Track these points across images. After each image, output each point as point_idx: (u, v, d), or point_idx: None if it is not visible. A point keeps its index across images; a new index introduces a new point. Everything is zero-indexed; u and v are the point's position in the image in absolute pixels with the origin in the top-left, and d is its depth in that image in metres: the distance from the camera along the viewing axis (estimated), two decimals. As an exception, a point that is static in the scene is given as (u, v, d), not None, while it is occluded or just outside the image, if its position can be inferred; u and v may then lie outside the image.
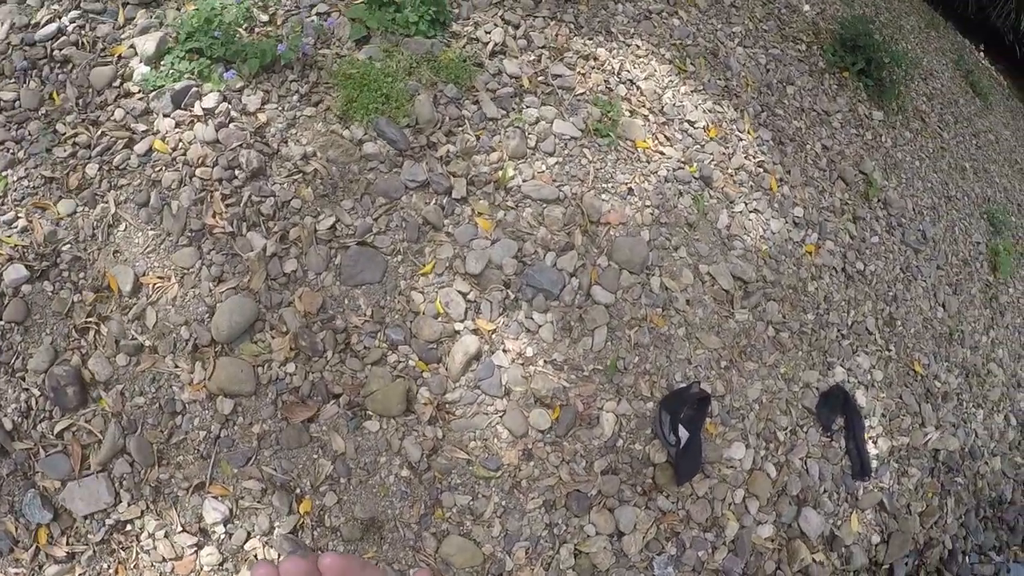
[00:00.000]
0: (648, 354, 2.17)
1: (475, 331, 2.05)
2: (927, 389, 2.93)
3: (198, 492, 1.90)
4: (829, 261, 2.77)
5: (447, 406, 1.97)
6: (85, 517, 1.86)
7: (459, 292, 2.05)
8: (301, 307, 2.00)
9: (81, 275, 2.03)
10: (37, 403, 1.90)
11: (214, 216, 2.06)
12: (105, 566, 1.86)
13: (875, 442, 2.63)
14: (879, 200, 3.18)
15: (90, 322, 1.98)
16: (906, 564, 2.64)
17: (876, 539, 2.56)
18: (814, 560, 2.35)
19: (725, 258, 2.45)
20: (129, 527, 1.89)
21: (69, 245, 2.03)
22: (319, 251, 2.05)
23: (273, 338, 1.98)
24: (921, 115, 3.77)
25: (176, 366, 1.96)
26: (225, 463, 1.92)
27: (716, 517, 2.17)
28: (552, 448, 2.00)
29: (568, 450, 2.01)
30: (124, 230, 2.07)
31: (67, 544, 1.85)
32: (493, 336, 2.05)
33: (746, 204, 2.63)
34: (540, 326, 2.08)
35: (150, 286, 2.02)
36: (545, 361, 2.06)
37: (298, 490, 1.92)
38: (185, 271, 2.03)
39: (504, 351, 2.05)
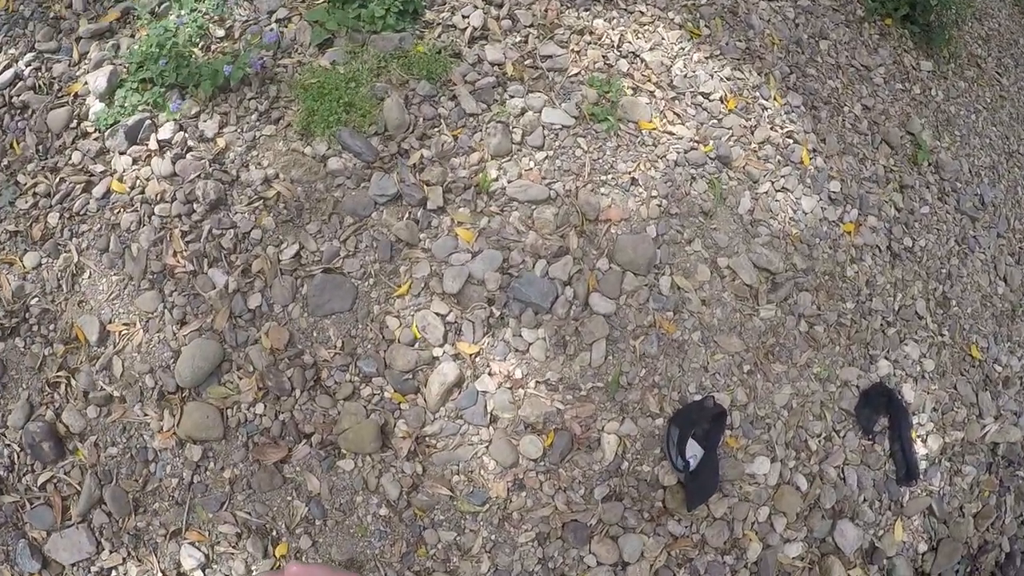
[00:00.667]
0: (657, 365, 1.96)
1: (456, 356, 1.89)
2: (985, 375, 2.62)
3: (175, 538, 1.86)
4: (872, 240, 2.46)
5: (427, 439, 1.84)
6: (72, 565, 1.86)
7: (437, 314, 1.89)
8: (268, 344, 1.89)
9: (51, 327, 2.02)
10: (19, 458, 1.92)
11: (174, 255, 1.97)
12: None
13: (924, 441, 2.37)
14: (929, 164, 2.80)
15: (60, 376, 1.98)
16: (956, 572, 2.40)
17: (923, 548, 2.32)
18: (850, 576, 2.14)
19: (748, 248, 2.19)
20: (114, 573, 1.87)
21: (37, 298, 2.01)
22: (283, 282, 1.92)
23: (240, 379, 1.88)
24: (976, 61, 3.30)
25: (145, 414, 1.92)
26: (200, 508, 1.86)
27: (736, 539, 1.98)
28: (546, 477, 1.85)
29: (564, 478, 1.85)
30: (88, 278, 2.03)
31: None
32: (476, 359, 1.88)
33: (772, 183, 2.34)
34: (530, 344, 1.90)
35: (116, 334, 1.98)
36: (537, 382, 1.88)
37: (274, 532, 1.84)
38: (149, 315, 1.97)
39: (490, 375, 1.88)
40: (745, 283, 2.14)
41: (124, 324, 1.98)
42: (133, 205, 2.03)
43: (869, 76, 2.82)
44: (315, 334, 1.92)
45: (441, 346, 1.88)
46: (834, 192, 2.46)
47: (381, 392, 1.87)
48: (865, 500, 2.21)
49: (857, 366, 2.27)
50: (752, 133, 2.40)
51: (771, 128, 2.45)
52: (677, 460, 1.87)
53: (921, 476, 2.32)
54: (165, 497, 1.90)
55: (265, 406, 1.91)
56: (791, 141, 2.47)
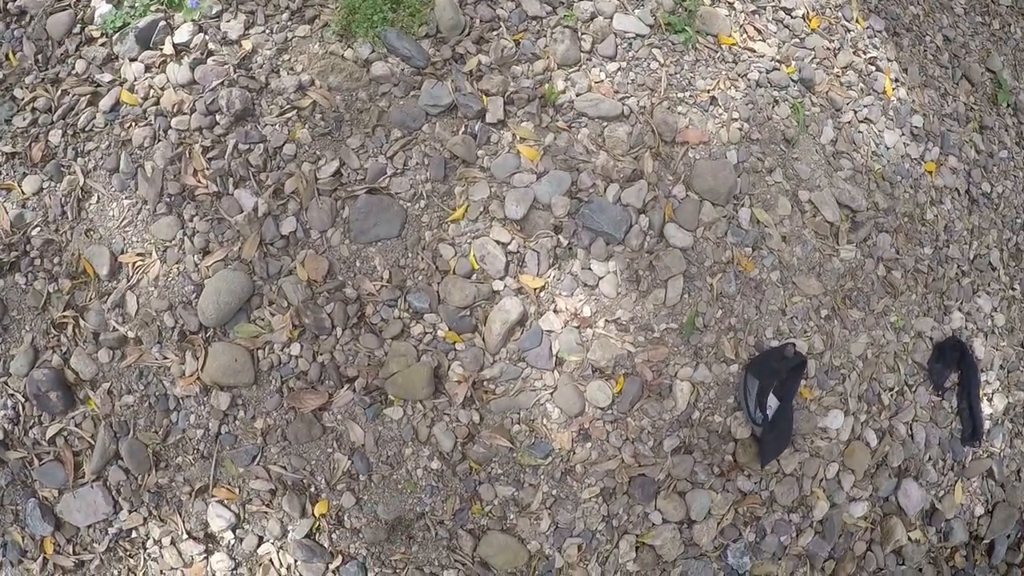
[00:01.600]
0: (734, 306, 1.77)
1: (518, 290, 1.67)
2: (1053, 334, 2.47)
3: (201, 496, 1.68)
4: (951, 182, 2.26)
5: (484, 384, 1.64)
6: (88, 527, 1.68)
7: (497, 242, 1.66)
8: (304, 275, 1.66)
9: (55, 260, 1.79)
10: (24, 409, 1.73)
11: (195, 175, 1.72)
12: (115, 573, 1.70)
13: (990, 400, 2.23)
14: (1008, 105, 2.58)
15: (67, 316, 1.76)
16: (1008, 538, 2.31)
17: (979, 511, 2.21)
18: (910, 539, 2.03)
19: (830, 182, 1.97)
20: (134, 534, 1.71)
21: (39, 228, 1.79)
22: (322, 204, 1.67)
23: (273, 316, 1.66)
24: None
25: (164, 358, 1.71)
26: (229, 463, 1.67)
27: (804, 497, 1.84)
28: (613, 427, 1.67)
29: (633, 428, 1.68)
30: (96, 203, 1.80)
31: (74, 553, 1.72)
32: (541, 295, 1.67)
33: (855, 112, 2.11)
34: (600, 278, 1.68)
35: (129, 266, 1.76)
36: (606, 321, 1.68)
37: (312, 488, 1.66)
38: (166, 244, 1.74)
39: (555, 312, 1.67)
40: (827, 220, 1.93)
41: (138, 255, 1.76)
42: (146, 118, 1.79)
43: (950, 4, 2.57)
44: (358, 264, 1.69)
45: (502, 279, 1.66)
46: (916, 127, 2.24)
47: (434, 330, 1.66)
48: (930, 459, 2.08)
49: (932, 316, 2.11)
50: (835, 56, 2.16)
51: (854, 53, 2.20)
52: (756, 413, 1.70)
53: (985, 436, 2.20)
54: (189, 450, 1.72)
55: (301, 347, 1.69)
56: (873, 68, 2.23)
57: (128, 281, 1.77)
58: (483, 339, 1.64)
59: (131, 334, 1.75)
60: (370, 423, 1.66)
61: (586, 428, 1.65)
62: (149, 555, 1.75)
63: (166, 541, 1.73)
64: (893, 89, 2.23)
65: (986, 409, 2.21)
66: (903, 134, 2.19)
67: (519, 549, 1.64)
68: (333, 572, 1.71)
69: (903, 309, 2.04)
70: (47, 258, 1.81)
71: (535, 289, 1.66)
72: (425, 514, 1.68)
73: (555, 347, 1.65)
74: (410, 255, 1.69)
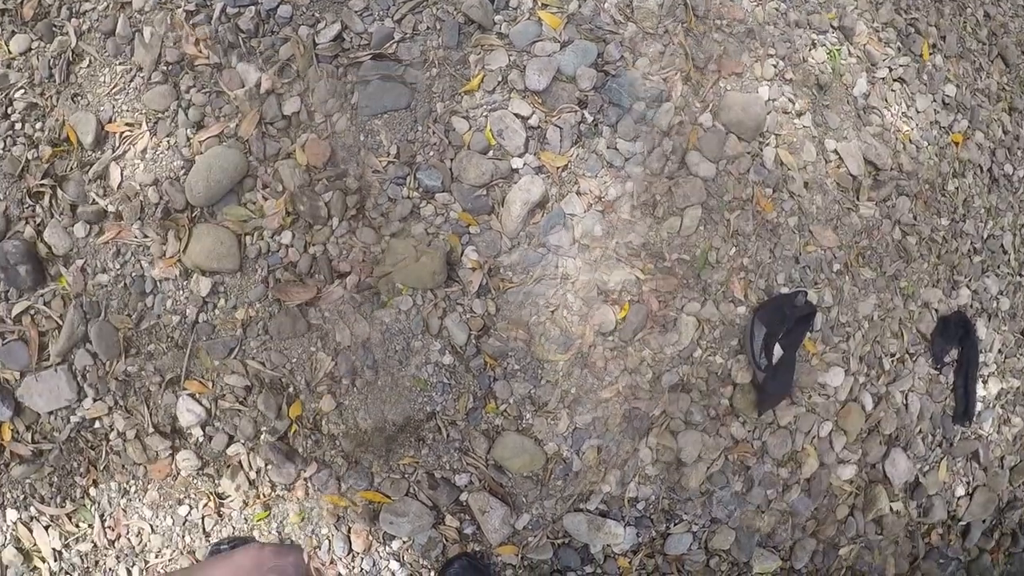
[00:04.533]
0: (748, 246, 1.69)
1: (539, 168, 1.57)
2: (1051, 327, 2.44)
3: (172, 388, 1.57)
4: (976, 157, 2.19)
5: (501, 271, 1.54)
6: (49, 413, 1.57)
7: (516, 115, 1.55)
8: (304, 159, 1.55)
9: (37, 126, 1.66)
10: None
11: (196, 44, 1.57)
12: (75, 464, 1.59)
13: (985, 382, 2.19)
14: (1040, 90, 2.52)
15: (44, 185, 1.63)
16: (983, 523, 2.29)
17: (960, 492, 2.19)
18: (892, 509, 2.00)
19: (858, 135, 1.89)
20: (97, 425, 1.60)
21: (23, 90, 1.66)
22: (321, 70, 1.54)
23: (265, 200, 1.55)
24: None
25: (145, 236, 1.59)
26: (204, 354, 1.56)
27: (795, 452, 1.79)
28: (614, 354, 1.59)
29: (633, 358, 1.60)
30: (87, 67, 1.66)
31: (32, 442, 1.61)
32: (563, 175, 1.57)
33: (891, 70, 2.03)
34: (627, 159, 1.58)
35: (116, 136, 1.63)
36: (618, 242, 1.59)
37: (291, 388, 1.55)
38: (159, 115, 1.61)
39: (578, 194, 1.58)
40: (850, 172, 1.85)
41: (127, 124, 1.63)
42: (148, -23, 1.63)
43: (994, -20, 2.48)
44: (363, 139, 1.57)
45: (521, 155, 1.55)
46: (948, 96, 2.16)
47: (447, 211, 1.56)
48: (921, 432, 2.04)
49: (940, 289, 2.05)
50: (877, 11, 2.07)
51: (896, 10, 2.12)
52: (760, 358, 1.63)
53: (975, 418, 2.16)
54: (163, 338, 1.61)
55: (293, 235, 1.58)
56: (913, 30, 2.14)
57: (113, 152, 1.65)
58: (500, 222, 1.54)
59: (111, 208, 1.63)
60: (362, 320, 1.56)
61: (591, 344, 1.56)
62: (112, 448, 1.65)
63: (131, 434, 1.63)
64: (930, 54, 2.15)
65: (980, 391, 2.17)
66: (934, 100, 2.12)
67: (536, 451, 1.56)
68: (305, 480, 1.63)
69: (914, 276, 1.99)
70: (29, 123, 1.68)
71: (557, 168, 1.56)
72: (436, 414, 1.59)
73: (578, 232, 1.55)
74: (420, 128, 1.57)
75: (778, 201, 1.74)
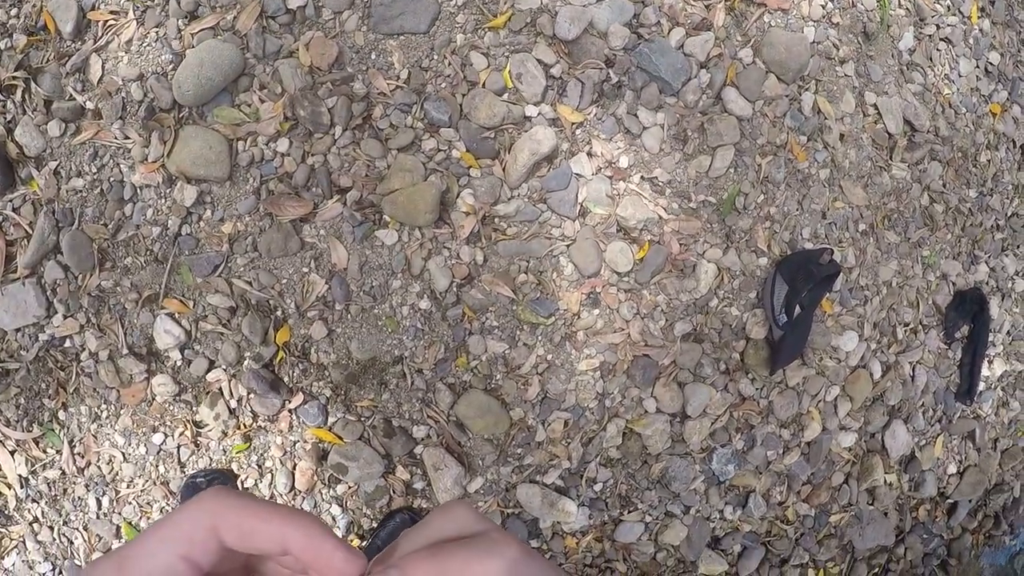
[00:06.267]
0: (777, 195, 1.60)
1: (554, 121, 1.46)
2: (1060, 314, 2.40)
3: (149, 307, 1.45)
4: (1011, 131, 2.10)
5: (495, 221, 1.44)
6: (16, 330, 1.44)
7: (540, 62, 1.43)
8: (307, 59, 1.42)
9: (12, 12, 1.49)
10: None
11: None
12: (43, 386, 1.48)
13: (990, 363, 2.15)
14: (1079, 70, 2.43)
15: (17, 77, 1.46)
16: (970, 503, 2.29)
17: (952, 470, 2.17)
18: (886, 480, 1.97)
19: (899, 92, 1.79)
20: (68, 344, 1.48)
21: None
22: None
23: (262, 102, 1.42)
24: None
25: (126, 137, 1.45)
26: (186, 270, 1.44)
27: (800, 414, 1.73)
28: (627, 296, 1.50)
29: (647, 302, 1.51)
30: None
31: None
32: (577, 132, 1.46)
33: (938, 27, 1.91)
34: (645, 129, 1.48)
35: (99, 24, 1.47)
36: (642, 178, 1.49)
37: (279, 312, 1.45)
38: (147, 3, 1.44)
39: (589, 155, 1.47)
40: (887, 130, 1.76)
41: (111, 13, 1.47)
42: None
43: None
44: (374, 57, 1.44)
45: (537, 104, 1.44)
46: (991, 64, 2.06)
47: (449, 148, 1.44)
48: (923, 407, 2.00)
49: (961, 261, 1.99)
50: (930, -39, 1.94)
51: (949, -36, 1.99)
52: (780, 315, 1.55)
53: (977, 398, 2.13)
54: (141, 251, 1.48)
55: (291, 143, 1.45)
56: (963, -12, 2.02)
57: (95, 43, 1.49)
58: (504, 169, 1.43)
59: (90, 105, 1.48)
60: (357, 244, 1.45)
61: (598, 292, 1.48)
62: (83, 369, 1.53)
63: (103, 355, 1.52)
64: (979, 18, 2.04)
65: (984, 371, 2.13)
66: (977, 66, 2.02)
67: (501, 414, 1.49)
68: (290, 411, 1.54)
69: (937, 246, 1.92)
70: (3, 9, 1.51)
71: (572, 124, 1.45)
72: (403, 359, 1.50)
73: (582, 194, 1.45)
74: (436, 57, 1.45)
75: (812, 151, 1.64)
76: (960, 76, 1.96)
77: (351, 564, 0.30)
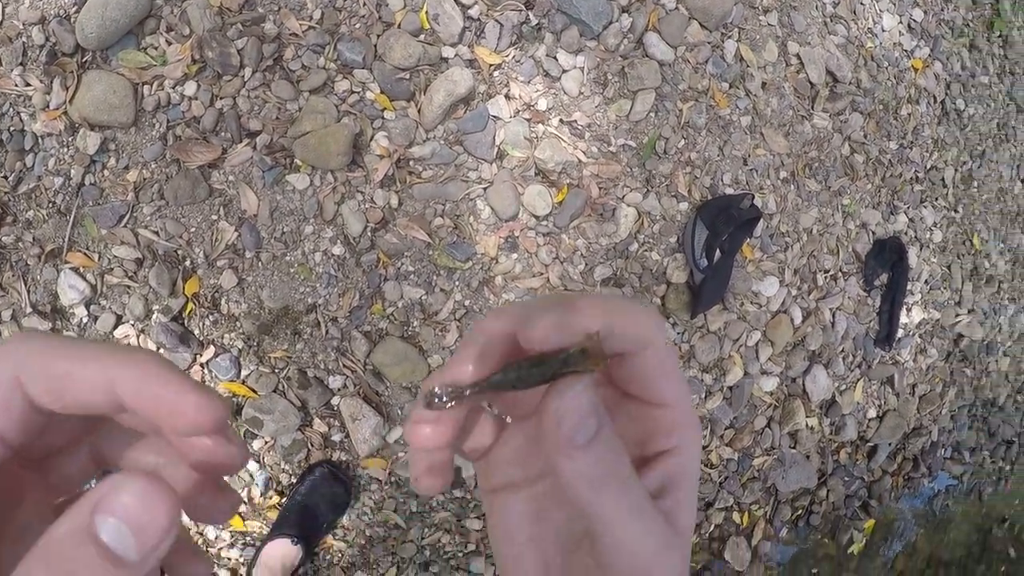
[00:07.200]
0: (698, 140, 1.62)
1: (471, 62, 1.44)
2: (975, 267, 2.51)
3: (52, 261, 1.40)
4: (932, 86, 2.17)
5: (411, 164, 1.42)
6: None
7: (457, 2, 1.41)
8: (216, 0, 1.35)
9: None
10: None
11: None
12: None
13: (908, 310, 2.24)
14: (1000, 35, 2.50)
15: None
16: (889, 446, 2.40)
17: (872, 414, 2.27)
18: (807, 424, 2.05)
19: (822, 43, 1.82)
20: None
21: None
22: None
23: (169, 44, 1.36)
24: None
25: (27, 84, 1.37)
26: (90, 222, 1.39)
27: (721, 359, 1.78)
28: (546, 240, 1.51)
29: (566, 246, 1.52)
30: None
31: None
32: (495, 74, 1.45)
33: (861, -21, 1.94)
34: (564, 72, 1.48)
35: None
36: (561, 122, 1.49)
37: (188, 262, 1.41)
38: None
39: (507, 98, 1.46)
40: (809, 79, 1.79)
41: None
42: None
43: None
44: (285, -5, 1.39)
45: (455, 45, 1.42)
46: (915, 20, 2.11)
47: (363, 90, 1.41)
48: (843, 352, 2.08)
49: (880, 211, 2.06)
50: (855, -87, 1.96)
51: (874, -83, 2.01)
52: (701, 259, 1.58)
53: (895, 344, 2.22)
54: (44, 203, 1.42)
55: (199, 86, 1.40)
56: (888, -57, 2.05)
57: (-9, -20, 1.41)
58: (419, 111, 1.41)
59: None
60: (267, 190, 1.42)
61: (516, 236, 1.48)
62: None
63: (6, 315, 1.45)
64: (902, -29, 2.08)
65: (903, 319, 2.22)
66: (900, 22, 2.06)
67: (418, 361, 1.49)
68: (202, 365, 1.51)
69: (857, 195, 1.97)
70: None
71: (490, 66, 1.44)
72: (317, 307, 1.48)
73: (499, 137, 1.45)
74: None
75: (733, 98, 1.66)
76: (883, 31, 2.00)
77: (204, 411, 0.23)
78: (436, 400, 0.26)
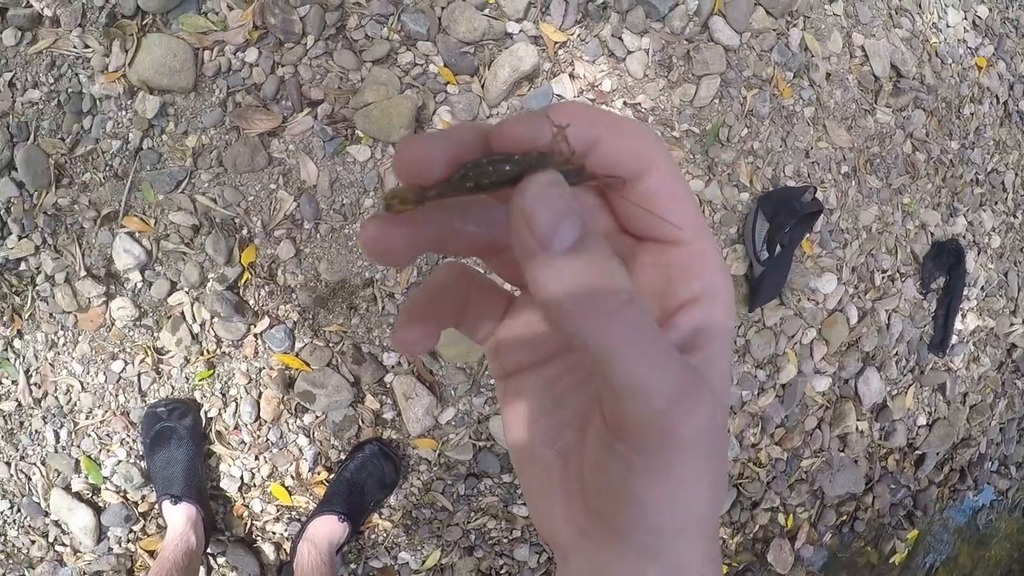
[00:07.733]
0: (761, 130, 1.59)
1: (536, 39, 1.42)
2: (1032, 275, 2.44)
3: (108, 225, 1.39)
4: (995, 86, 2.11)
5: (476, 138, 1.40)
6: None
7: (524, -23, 1.39)
8: None
9: None
10: None
11: None
12: None
13: (963, 316, 2.18)
14: (1065, 33, 2.43)
15: None
16: (937, 455, 2.33)
17: (922, 421, 2.20)
18: (857, 427, 1.99)
19: (887, 36, 1.78)
20: (23, 266, 1.41)
21: None
22: None
23: (230, 9, 1.36)
24: None
25: (86, 46, 1.37)
26: (147, 187, 1.39)
27: (776, 355, 1.74)
28: (609, 221, 1.48)
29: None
30: None
31: None
32: (560, 52, 1.43)
33: (928, -27, 1.90)
34: (630, 53, 1.46)
35: None
36: (625, 103, 1.47)
37: (245, 231, 1.40)
38: None
39: (572, 77, 1.44)
40: (873, 72, 1.75)
41: None
42: None
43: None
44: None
45: (519, 21, 1.40)
46: (979, 17, 2.06)
47: (426, 62, 1.40)
48: (896, 355, 2.03)
49: (940, 212, 2.00)
50: (923, -95, 1.92)
51: (942, -90, 1.97)
52: (762, 252, 1.55)
53: (949, 350, 2.16)
54: (100, 166, 1.41)
55: (260, 53, 1.40)
56: (955, -64, 2.01)
57: (58, -54, 1.43)
58: (483, 86, 1.40)
59: (48, 12, 1.40)
60: (327, 160, 1.42)
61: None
62: (39, 293, 1.47)
63: (60, 278, 1.44)
64: (968, -33, 2.03)
65: (958, 324, 2.16)
66: (965, 18, 2.01)
67: (473, 343, 1.47)
68: (256, 336, 1.51)
69: (917, 194, 1.92)
70: None
71: (555, 43, 1.42)
72: (374, 282, 1.47)
73: None
74: None
75: (797, 88, 1.63)
76: (948, 26, 1.96)
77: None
78: (396, 202, 0.23)
